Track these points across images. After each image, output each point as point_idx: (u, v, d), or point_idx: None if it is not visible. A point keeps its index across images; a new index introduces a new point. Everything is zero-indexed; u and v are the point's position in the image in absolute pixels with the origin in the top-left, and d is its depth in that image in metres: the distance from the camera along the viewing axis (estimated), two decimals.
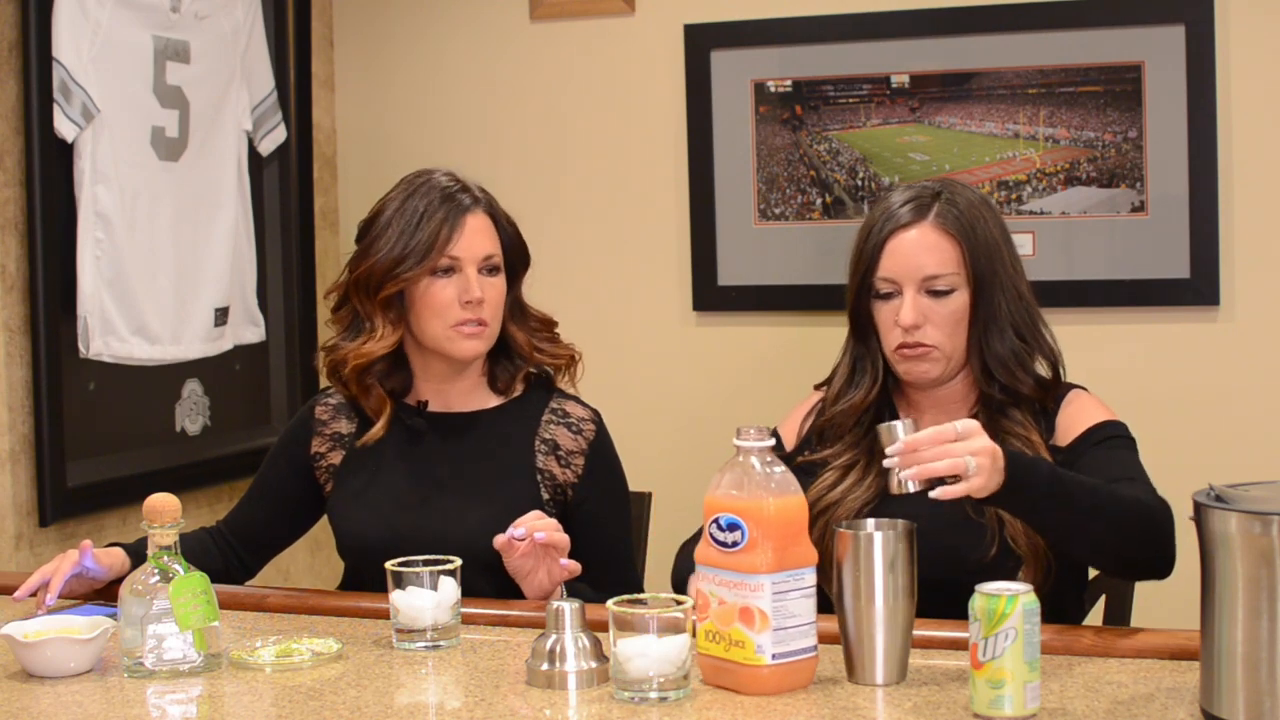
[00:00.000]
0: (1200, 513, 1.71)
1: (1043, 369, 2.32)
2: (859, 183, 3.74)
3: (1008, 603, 1.72)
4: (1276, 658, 1.64)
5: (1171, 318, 3.55)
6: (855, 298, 2.31)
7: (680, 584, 2.28)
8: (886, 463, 1.97)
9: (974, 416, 2.28)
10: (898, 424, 1.99)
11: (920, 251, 2.25)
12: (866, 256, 2.28)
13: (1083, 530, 1.98)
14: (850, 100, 3.73)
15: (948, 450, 1.93)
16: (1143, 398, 3.57)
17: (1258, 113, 3.47)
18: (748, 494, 1.85)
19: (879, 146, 3.72)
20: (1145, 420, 3.55)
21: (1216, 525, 1.69)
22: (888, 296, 2.27)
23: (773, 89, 3.78)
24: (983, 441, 1.94)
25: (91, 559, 2.32)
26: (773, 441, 1.90)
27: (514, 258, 2.50)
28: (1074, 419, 2.28)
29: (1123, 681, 1.88)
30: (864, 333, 2.33)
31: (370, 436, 2.46)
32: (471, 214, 2.43)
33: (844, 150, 3.74)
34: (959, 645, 1.92)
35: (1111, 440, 2.25)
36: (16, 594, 2.33)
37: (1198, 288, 3.50)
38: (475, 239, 2.42)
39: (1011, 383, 2.27)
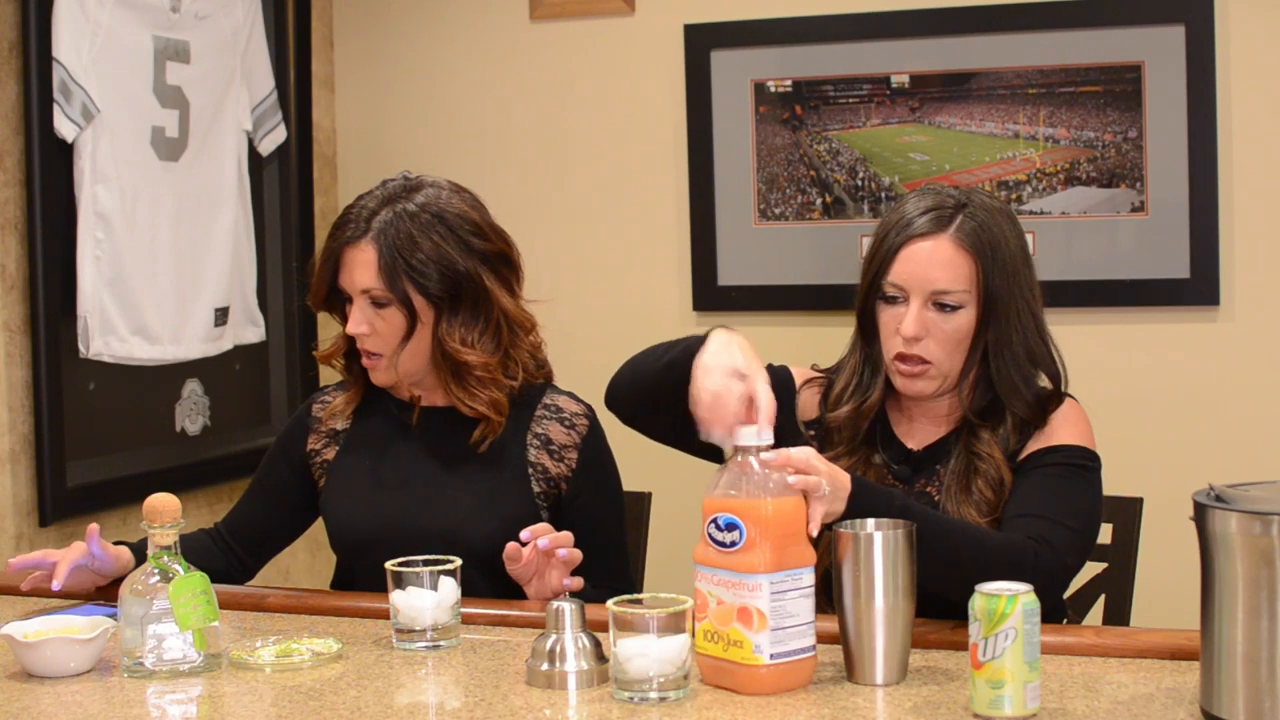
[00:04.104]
0: (1200, 513, 1.71)
1: (1044, 383, 2.30)
2: (859, 183, 3.74)
3: (1008, 603, 1.72)
4: (1276, 658, 1.64)
5: (1171, 318, 3.55)
6: (864, 298, 2.28)
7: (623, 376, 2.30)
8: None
9: (959, 428, 2.27)
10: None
11: (934, 264, 2.20)
12: (879, 259, 2.24)
13: (924, 567, 1.95)
14: (850, 100, 3.73)
15: (813, 466, 1.92)
16: (1143, 398, 3.57)
17: (1258, 113, 3.47)
18: (745, 494, 1.85)
19: (879, 146, 3.72)
20: (1145, 420, 3.57)
21: (1216, 525, 1.69)
22: (893, 300, 2.23)
23: (773, 89, 3.78)
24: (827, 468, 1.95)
25: (99, 545, 2.31)
26: (771, 440, 1.89)
27: (422, 292, 2.37)
28: (1046, 435, 2.24)
29: (1123, 681, 1.88)
30: (870, 335, 2.30)
31: (332, 410, 2.52)
32: (354, 246, 2.37)
33: (844, 150, 3.75)
34: (959, 645, 1.92)
35: (1057, 467, 2.19)
36: (13, 562, 2.33)
37: (1198, 288, 3.50)
38: (354, 272, 2.38)
39: (1009, 404, 2.24)
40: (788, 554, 1.84)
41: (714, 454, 2.13)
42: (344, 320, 2.45)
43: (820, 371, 2.40)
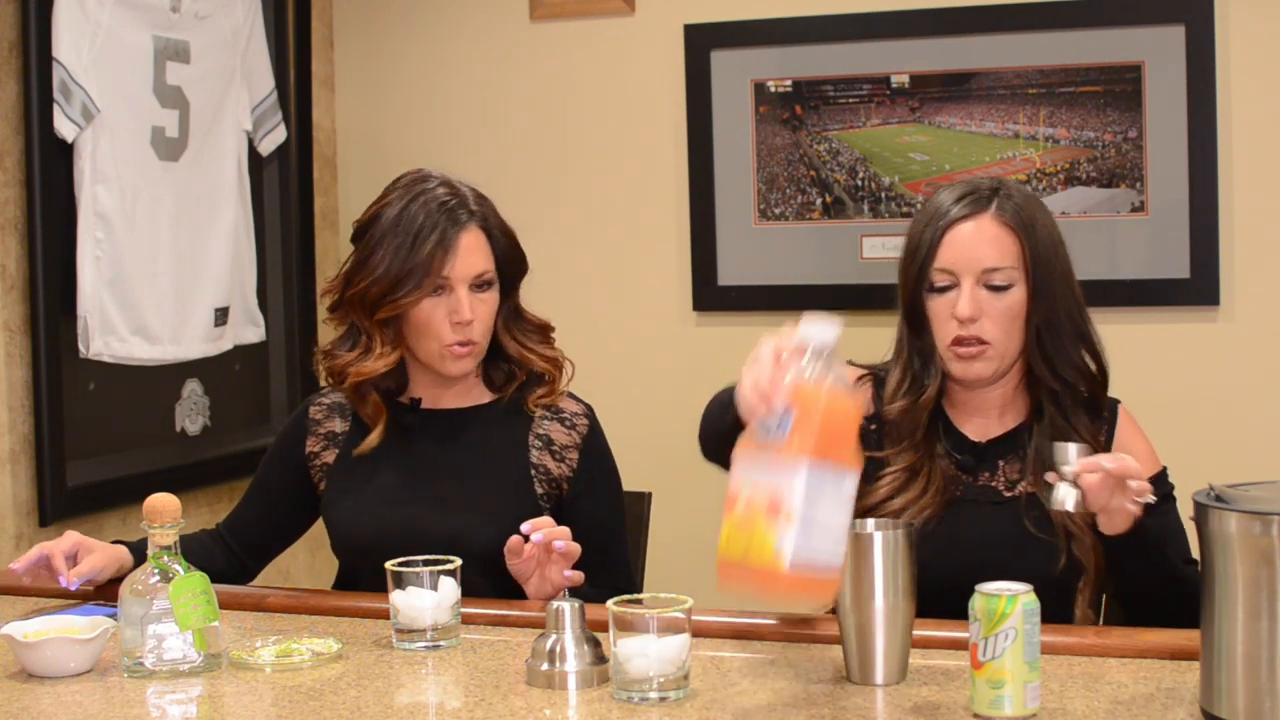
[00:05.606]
0: (1200, 513, 1.71)
1: (1092, 367, 2.30)
2: (859, 183, 3.74)
3: (1008, 603, 1.72)
4: (1276, 658, 1.64)
5: (1171, 318, 3.55)
6: (910, 292, 2.26)
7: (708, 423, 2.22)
8: (1050, 477, 1.99)
9: (1028, 420, 2.27)
10: (1071, 445, 1.99)
11: (980, 243, 2.20)
12: (924, 248, 2.22)
13: (1149, 590, 2.03)
14: (850, 100, 3.73)
15: (1139, 474, 1.97)
16: (1143, 398, 3.55)
17: (1258, 113, 3.47)
18: (799, 382, 1.76)
19: (879, 146, 3.72)
20: (1145, 420, 3.55)
21: (1216, 525, 1.69)
22: (944, 290, 2.22)
23: (773, 89, 3.78)
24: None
25: (71, 582, 2.29)
26: (837, 335, 1.81)
27: (508, 268, 2.47)
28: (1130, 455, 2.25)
29: (1123, 681, 1.88)
30: (920, 328, 2.27)
31: (366, 445, 2.46)
32: (465, 232, 2.40)
33: (844, 150, 3.75)
34: (959, 645, 1.92)
35: (1166, 501, 2.20)
36: (15, 567, 2.32)
37: (1198, 288, 3.50)
38: (468, 258, 2.40)
39: (1075, 381, 2.25)
40: (832, 452, 1.72)
41: None
42: (399, 328, 2.42)
43: (862, 367, 2.37)
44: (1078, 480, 1.96)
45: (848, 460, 1.74)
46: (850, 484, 1.74)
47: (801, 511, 1.69)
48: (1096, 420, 2.28)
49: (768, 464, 1.72)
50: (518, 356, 2.48)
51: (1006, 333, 2.21)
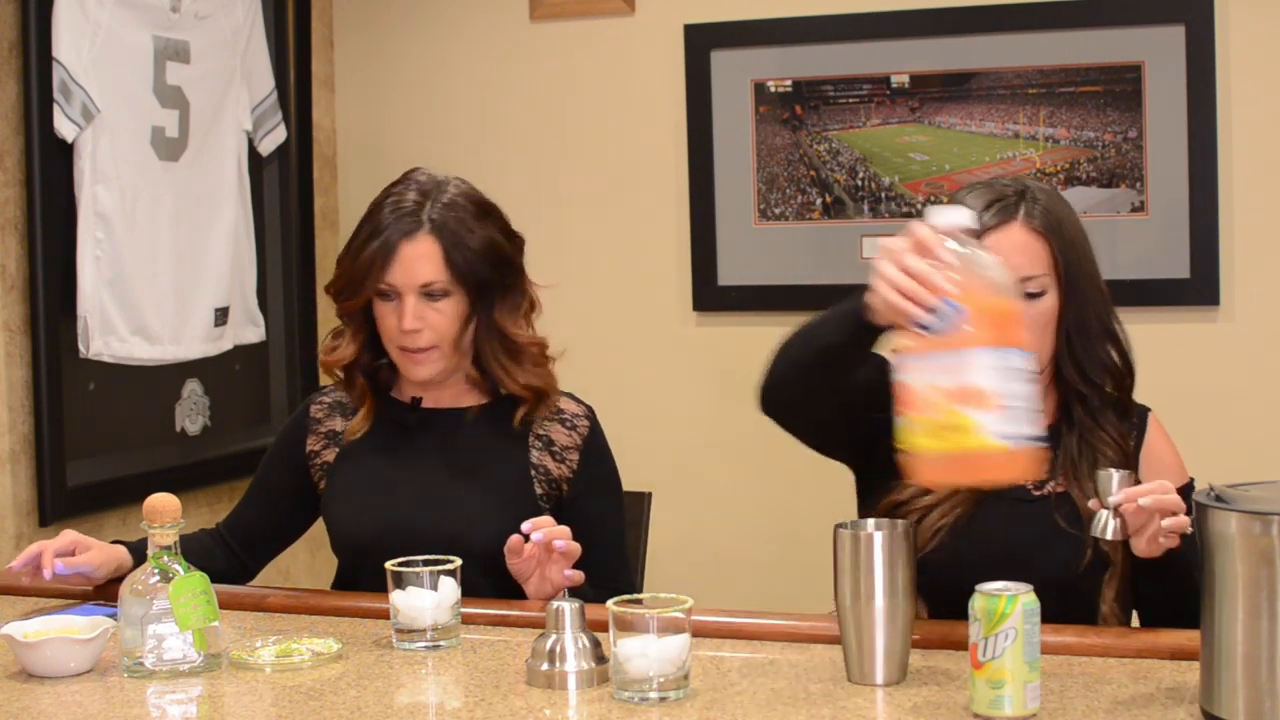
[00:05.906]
0: (1200, 513, 1.71)
1: (1119, 364, 2.29)
2: (859, 183, 3.74)
3: (1008, 603, 1.72)
4: (1276, 658, 1.64)
5: (1171, 318, 3.55)
6: None
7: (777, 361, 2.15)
8: (1092, 504, 2.02)
9: (1056, 421, 2.25)
10: (1115, 473, 2.00)
11: (1012, 252, 2.15)
12: None
13: (1171, 606, 2.03)
14: (850, 100, 3.73)
15: (1179, 513, 1.97)
16: (1142, 398, 3.56)
17: (1258, 113, 3.47)
18: (962, 277, 1.75)
19: (879, 146, 3.72)
20: None
21: (1216, 525, 1.69)
22: None
23: (773, 89, 3.78)
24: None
25: (57, 568, 2.29)
26: (971, 219, 1.82)
27: (473, 281, 2.40)
28: (1159, 466, 2.24)
29: (1123, 681, 1.88)
30: None
31: (352, 430, 2.48)
32: (410, 240, 2.37)
33: (844, 150, 3.75)
34: (959, 645, 1.92)
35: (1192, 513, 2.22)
36: (14, 565, 2.32)
37: (1198, 288, 3.50)
38: (413, 266, 2.37)
39: (1102, 382, 2.23)
40: (1005, 334, 1.73)
41: (865, 453, 2.13)
42: (363, 322, 2.44)
43: None
44: (1119, 510, 1.98)
45: (1019, 338, 1.75)
46: (1027, 360, 1.75)
47: (999, 393, 1.70)
48: (1125, 422, 2.26)
49: (944, 357, 1.72)
50: (493, 375, 2.45)
51: (1039, 339, 2.19)
